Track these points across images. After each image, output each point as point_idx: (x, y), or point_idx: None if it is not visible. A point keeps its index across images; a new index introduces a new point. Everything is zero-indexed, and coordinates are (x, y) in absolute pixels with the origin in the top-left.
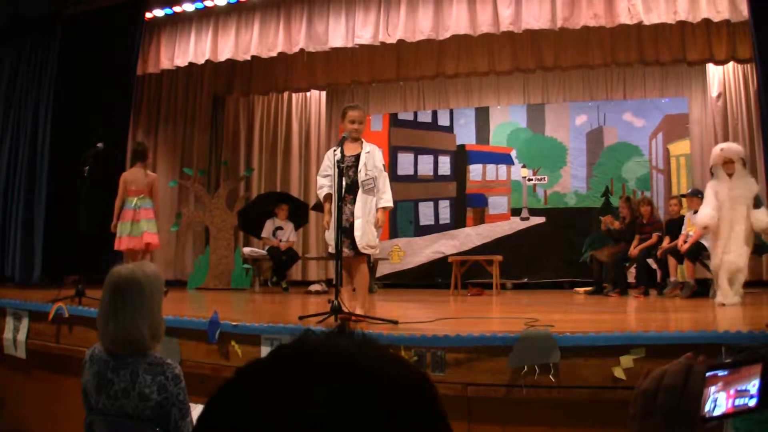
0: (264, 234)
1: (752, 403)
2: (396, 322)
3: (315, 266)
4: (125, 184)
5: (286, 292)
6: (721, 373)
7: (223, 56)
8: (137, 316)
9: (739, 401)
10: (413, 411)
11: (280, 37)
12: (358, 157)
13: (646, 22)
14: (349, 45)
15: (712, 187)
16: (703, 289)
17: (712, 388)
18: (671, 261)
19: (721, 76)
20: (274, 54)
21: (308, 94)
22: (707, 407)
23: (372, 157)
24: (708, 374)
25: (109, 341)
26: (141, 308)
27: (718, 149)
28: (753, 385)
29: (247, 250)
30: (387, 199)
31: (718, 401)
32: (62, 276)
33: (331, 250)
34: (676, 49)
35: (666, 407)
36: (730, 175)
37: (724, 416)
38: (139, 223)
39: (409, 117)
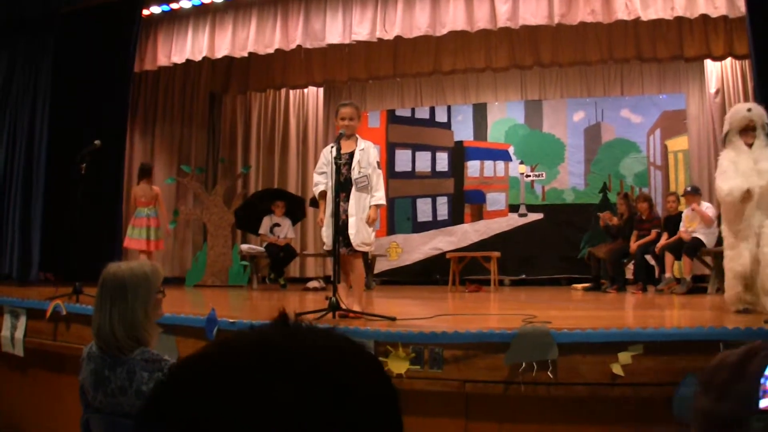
0: (261, 231)
1: None
2: (394, 319)
3: (313, 263)
4: (135, 197)
5: (283, 289)
6: None
7: (220, 53)
8: (114, 314)
9: None
10: (360, 397)
11: (277, 34)
12: (352, 154)
13: (644, 18)
14: (346, 41)
15: (730, 158)
16: (699, 285)
17: None
18: (668, 257)
19: (719, 72)
20: (271, 51)
21: (305, 90)
22: (764, 396)
23: (366, 155)
24: None
25: (93, 336)
26: (118, 306)
27: (744, 109)
28: None
29: (244, 247)
30: (380, 197)
31: None
32: (59, 273)
33: (326, 247)
34: (674, 46)
35: (721, 383)
36: (749, 146)
37: None
38: (151, 229)
39: (407, 113)
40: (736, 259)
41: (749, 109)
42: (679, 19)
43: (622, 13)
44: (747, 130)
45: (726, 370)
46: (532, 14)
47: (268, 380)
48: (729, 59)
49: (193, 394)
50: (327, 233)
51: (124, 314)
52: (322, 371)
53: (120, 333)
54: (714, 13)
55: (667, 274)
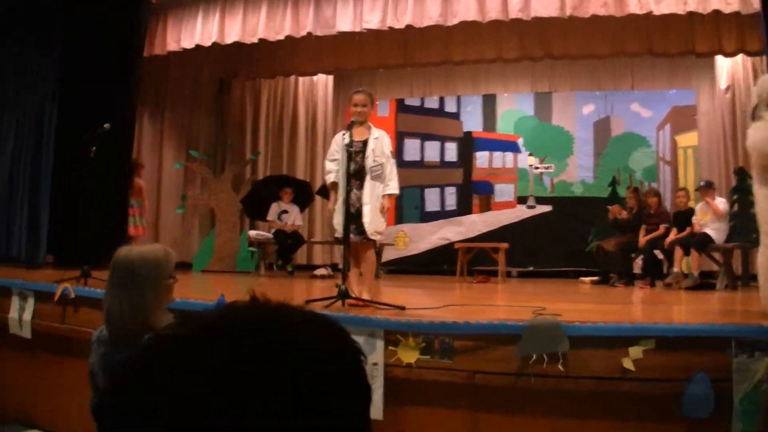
0: (269, 217)
1: None
2: (403, 308)
3: (320, 250)
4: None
5: (291, 275)
6: None
7: (230, 39)
8: (124, 298)
9: None
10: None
11: (288, 20)
12: (365, 142)
13: (656, 13)
14: (357, 29)
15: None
16: (708, 281)
17: None
18: (677, 252)
19: (730, 69)
20: (281, 37)
21: (315, 78)
22: None
23: (380, 144)
24: None
25: (104, 321)
26: (128, 291)
27: None
28: None
29: (252, 233)
30: (393, 186)
31: None
32: (67, 257)
33: (338, 234)
34: (685, 41)
35: None
36: None
37: None
38: (135, 217)
39: (416, 103)
40: None
41: None
42: (691, 15)
43: (634, 7)
44: None
45: None
46: (544, 6)
47: (234, 355)
48: (740, 55)
49: (159, 371)
50: (338, 220)
51: (134, 299)
52: (287, 344)
53: (129, 317)
54: (726, 9)
55: (675, 269)
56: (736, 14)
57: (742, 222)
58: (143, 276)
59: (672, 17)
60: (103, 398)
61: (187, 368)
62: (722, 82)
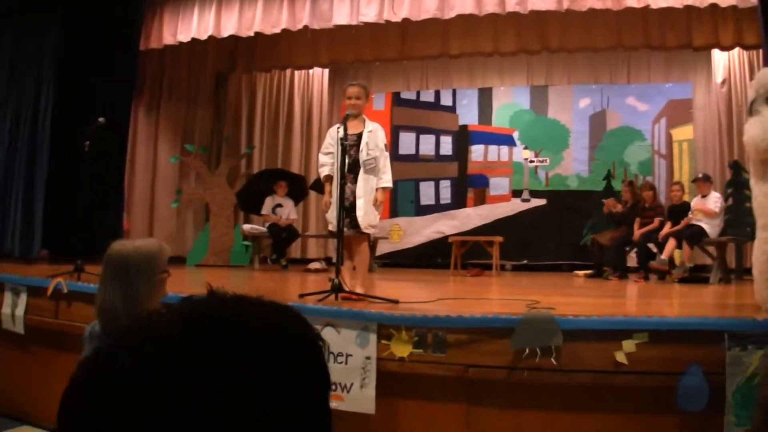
0: (264, 211)
1: None
2: (397, 302)
3: (314, 244)
4: None
5: (285, 269)
6: None
7: (226, 32)
8: (117, 292)
9: None
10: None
11: (284, 14)
12: (360, 135)
13: (653, 6)
14: (354, 23)
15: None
16: (699, 275)
17: None
18: (670, 242)
19: (726, 62)
20: (277, 30)
21: (311, 71)
22: None
23: (374, 137)
24: None
25: (96, 314)
26: (121, 284)
27: None
28: None
29: (246, 227)
30: (387, 180)
31: None
32: (61, 251)
33: (332, 228)
34: (682, 34)
35: None
36: None
37: None
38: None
39: (412, 96)
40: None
41: None
42: (689, 8)
43: (631, 1)
44: None
45: None
46: None
47: (191, 350)
48: (737, 49)
49: (115, 370)
50: (333, 214)
51: (127, 292)
52: (243, 335)
53: (122, 311)
54: (723, 2)
55: (663, 257)
56: (733, 8)
57: (736, 216)
58: (137, 269)
59: (669, 10)
60: (62, 400)
61: (143, 365)
62: (718, 75)
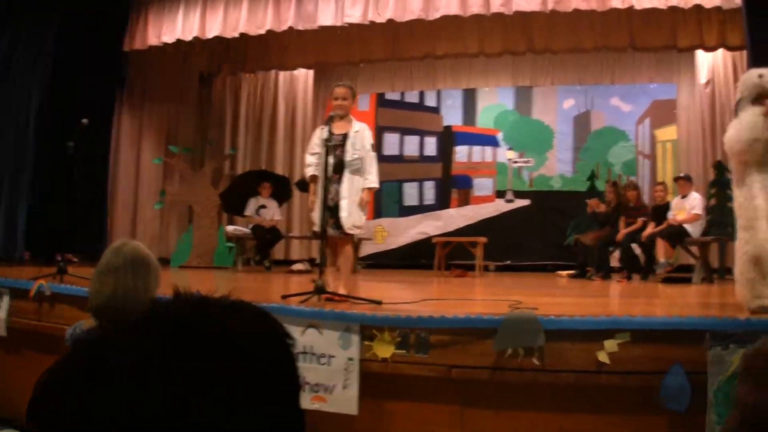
0: (248, 212)
1: None
2: (380, 303)
3: (298, 245)
4: None
5: (268, 271)
6: None
7: (211, 33)
8: (139, 286)
9: None
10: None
11: (269, 15)
12: (346, 136)
13: (638, 7)
14: (338, 24)
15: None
16: (682, 274)
17: None
18: (660, 243)
19: (711, 63)
20: (262, 32)
21: (295, 73)
22: None
23: (360, 137)
24: None
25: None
26: (142, 280)
27: (756, 75)
28: None
29: (230, 228)
30: (373, 180)
31: None
32: (47, 253)
33: (316, 229)
34: (667, 35)
35: (761, 372)
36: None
37: None
38: None
39: (396, 97)
40: (751, 241)
41: (760, 75)
42: (673, 9)
43: (616, 2)
44: (760, 99)
45: (763, 358)
46: (527, 0)
47: (158, 352)
48: (721, 50)
49: (82, 374)
50: (317, 215)
51: (147, 288)
52: (209, 336)
53: (135, 307)
54: (708, 4)
55: (662, 260)
56: (718, 9)
57: (719, 215)
58: (156, 269)
59: (653, 11)
60: (29, 405)
61: (111, 369)
62: (702, 76)
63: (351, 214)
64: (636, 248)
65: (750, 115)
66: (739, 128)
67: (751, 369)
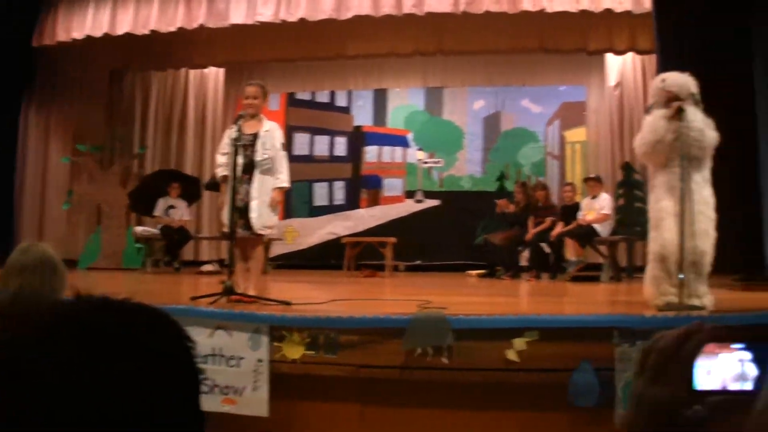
0: (156, 213)
1: (748, 386)
2: (289, 303)
3: (207, 246)
4: None
5: (177, 272)
6: (730, 347)
7: (121, 30)
8: (51, 286)
9: (736, 381)
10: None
11: (180, 12)
12: (256, 135)
13: (549, 10)
14: (250, 22)
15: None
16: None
17: (710, 360)
18: (569, 242)
19: (620, 66)
20: (173, 29)
21: (206, 71)
22: (700, 378)
23: (271, 137)
24: (709, 345)
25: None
26: (49, 282)
27: (659, 81)
28: (748, 366)
29: (139, 229)
30: (283, 180)
31: (713, 375)
32: None
33: (226, 229)
34: (577, 38)
35: (655, 367)
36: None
37: (714, 393)
38: None
39: (307, 97)
40: (657, 240)
41: (663, 80)
42: (584, 12)
43: (527, 4)
44: (669, 103)
45: (659, 353)
46: (438, 1)
47: (58, 353)
48: (631, 54)
49: None
50: (227, 215)
51: (53, 289)
52: (108, 337)
53: (39, 308)
54: (618, 8)
55: (573, 258)
56: (628, 13)
57: (627, 215)
58: (62, 269)
59: (565, 15)
60: None
61: (10, 370)
62: (612, 79)
63: (261, 215)
64: (545, 248)
65: (653, 118)
66: (644, 131)
67: (645, 364)
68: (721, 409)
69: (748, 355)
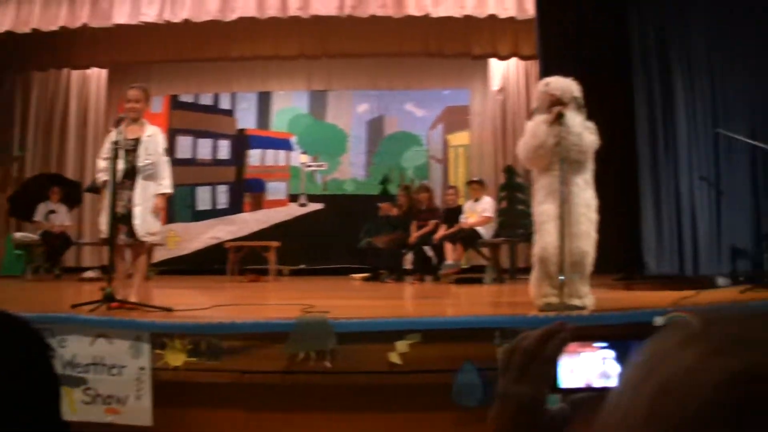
0: (37, 218)
1: (612, 383)
2: (170, 310)
3: (89, 252)
4: None
5: (58, 279)
6: (592, 345)
7: (1, 28)
8: None
9: (599, 379)
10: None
11: (63, 11)
12: (138, 140)
13: (433, 15)
14: (134, 22)
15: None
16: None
17: (573, 359)
18: (448, 247)
19: (503, 71)
20: (55, 28)
21: (88, 71)
22: (564, 377)
23: (153, 141)
24: (572, 344)
25: None
26: None
27: (542, 85)
28: (610, 363)
29: (18, 234)
30: (166, 185)
31: (576, 373)
32: None
33: (103, 236)
34: (461, 43)
35: (518, 366)
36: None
37: (577, 390)
38: None
39: (190, 99)
40: (539, 242)
41: (546, 84)
42: (468, 18)
43: (412, 9)
44: (553, 107)
45: (522, 353)
46: (323, 4)
47: None
48: (514, 59)
49: None
50: (105, 221)
51: None
52: None
53: None
54: (503, 14)
55: (449, 261)
56: (512, 19)
57: (509, 218)
58: None
59: (449, 20)
60: None
61: None
62: (495, 83)
63: (145, 221)
64: (428, 250)
65: (534, 123)
66: (526, 136)
67: (509, 363)
68: (585, 406)
69: (611, 353)
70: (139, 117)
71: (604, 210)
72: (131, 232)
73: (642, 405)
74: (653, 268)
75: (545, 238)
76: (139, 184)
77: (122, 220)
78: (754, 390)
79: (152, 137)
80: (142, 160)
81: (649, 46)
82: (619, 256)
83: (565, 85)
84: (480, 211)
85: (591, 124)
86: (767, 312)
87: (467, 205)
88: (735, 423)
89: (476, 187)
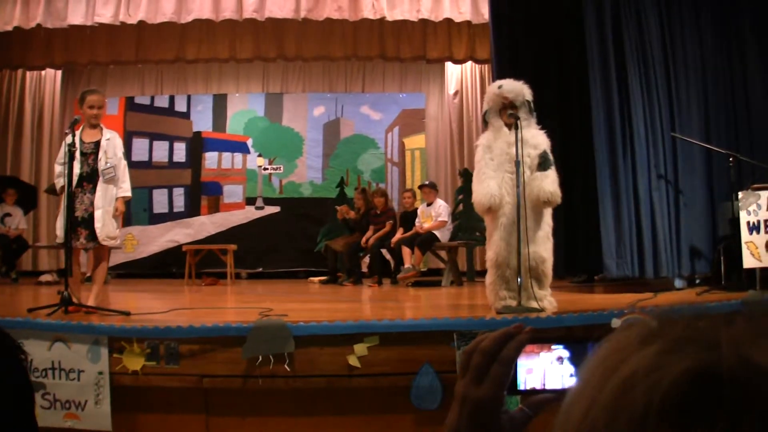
0: None
1: (568, 383)
2: (128, 314)
3: (46, 256)
4: None
5: (15, 282)
6: (550, 347)
7: None
8: None
9: (556, 380)
10: None
11: (18, 11)
12: (98, 144)
13: (389, 18)
14: (89, 23)
15: (485, 143)
16: (433, 278)
17: (532, 360)
18: (405, 250)
19: (459, 75)
20: (9, 28)
21: (43, 73)
22: (522, 378)
23: (112, 145)
24: (530, 345)
25: None
26: None
27: (496, 87)
28: (566, 364)
29: None
30: (126, 189)
31: (534, 374)
32: None
33: (59, 240)
34: (417, 47)
35: (477, 367)
36: (509, 126)
37: (536, 391)
38: None
39: (146, 101)
40: (492, 247)
41: (500, 86)
42: (424, 22)
43: (368, 12)
44: (505, 109)
45: (481, 354)
46: (279, 7)
47: None
48: (469, 63)
49: None
50: (61, 225)
51: None
52: None
53: None
54: (458, 18)
55: (407, 265)
56: (467, 23)
57: (466, 221)
58: None
59: (405, 23)
60: None
61: None
62: (451, 87)
63: (105, 225)
64: (385, 253)
65: (489, 129)
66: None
67: (468, 365)
68: (542, 407)
69: (566, 354)
70: (98, 122)
71: (563, 213)
72: (92, 236)
73: (605, 401)
74: (613, 270)
75: (497, 243)
76: (100, 187)
77: (83, 223)
78: (705, 387)
79: (111, 141)
80: (103, 164)
81: (606, 50)
82: (580, 259)
83: (518, 88)
84: (434, 216)
85: (540, 131)
86: (719, 313)
87: (421, 209)
88: (689, 418)
89: (427, 190)
